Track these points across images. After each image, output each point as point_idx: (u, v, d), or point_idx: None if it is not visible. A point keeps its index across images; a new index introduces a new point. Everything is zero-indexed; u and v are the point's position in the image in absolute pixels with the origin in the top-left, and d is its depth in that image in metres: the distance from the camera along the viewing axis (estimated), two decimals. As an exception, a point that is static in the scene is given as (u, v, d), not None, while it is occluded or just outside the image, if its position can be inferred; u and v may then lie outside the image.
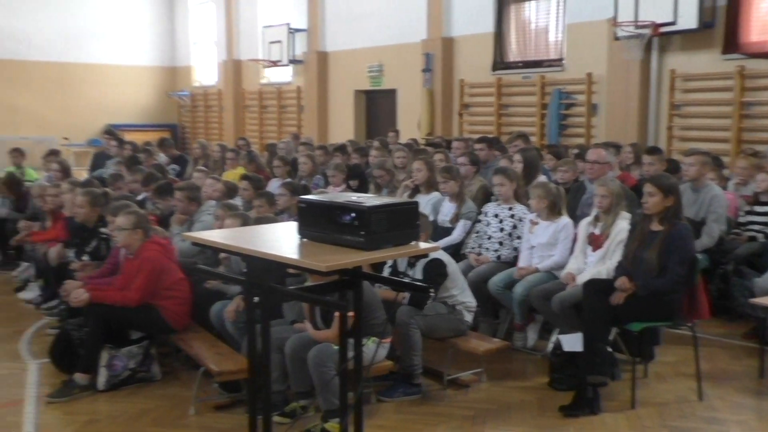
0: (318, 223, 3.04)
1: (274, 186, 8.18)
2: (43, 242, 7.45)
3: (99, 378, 5.17)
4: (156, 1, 22.85)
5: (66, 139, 20.61)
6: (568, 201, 6.36)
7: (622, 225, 5.45)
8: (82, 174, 11.25)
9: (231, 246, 3.19)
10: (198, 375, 4.94)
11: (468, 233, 6.56)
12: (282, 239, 3.23)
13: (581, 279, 5.38)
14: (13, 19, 20.23)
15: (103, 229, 6.44)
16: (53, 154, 10.71)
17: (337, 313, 3.83)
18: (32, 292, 7.54)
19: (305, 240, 3.09)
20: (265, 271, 3.11)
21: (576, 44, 12.04)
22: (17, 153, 10.89)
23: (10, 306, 7.41)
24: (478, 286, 5.86)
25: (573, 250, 5.75)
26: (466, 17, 13.85)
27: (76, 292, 5.37)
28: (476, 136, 10.23)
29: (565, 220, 5.94)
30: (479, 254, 6.28)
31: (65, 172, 9.31)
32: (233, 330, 5.20)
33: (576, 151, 9.02)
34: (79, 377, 5.14)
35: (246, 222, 5.49)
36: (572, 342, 5.03)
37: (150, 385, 5.28)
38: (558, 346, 5.16)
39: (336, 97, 17.29)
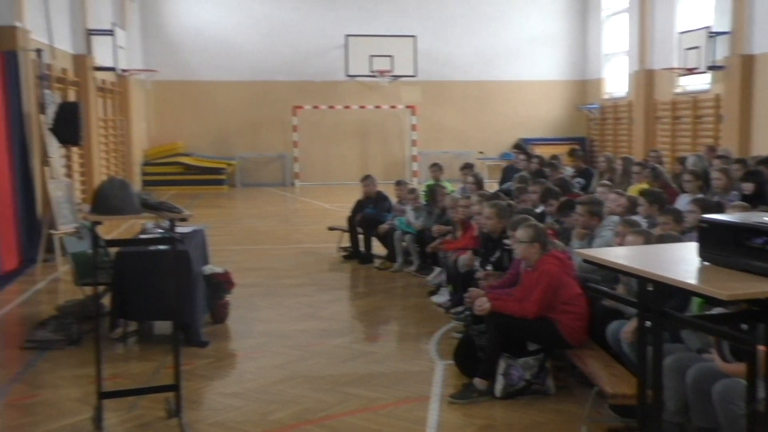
0: (722, 245, 2.76)
1: (683, 202, 7.68)
2: (454, 250, 7.98)
3: (496, 385, 5.34)
4: (569, 17, 23.20)
5: (481, 153, 22.05)
6: None
7: None
8: (493, 186, 11.84)
9: (622, 265, 3.04)
10: (592, 394, 4.84)
11: None
12: (681, 261, 2.99)
13: None
14: (441, 45, 22.28)
15: (506, 241, 6.67)
16: (468, 167, 11.43)
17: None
18: (443, 297, 8.10)
19: (707, 263, 2.82)
20: (659, 294, 2.91)
21: None
22: (436, 168, 11.87)
23: (424, 308, 8.07)
24: None
25: None
26: None
27: (480, 301, 5.64)
28: None
29: None
30: None
31: (479, 184, 9.93)
32: (630, 352, 4.98)
33: None
34: (479, 382, 5.37)
35: (648, 240, 5.22)
36: None
37: (543, 398, 5.31)
38: None
39: (762, 104, 15.67)
